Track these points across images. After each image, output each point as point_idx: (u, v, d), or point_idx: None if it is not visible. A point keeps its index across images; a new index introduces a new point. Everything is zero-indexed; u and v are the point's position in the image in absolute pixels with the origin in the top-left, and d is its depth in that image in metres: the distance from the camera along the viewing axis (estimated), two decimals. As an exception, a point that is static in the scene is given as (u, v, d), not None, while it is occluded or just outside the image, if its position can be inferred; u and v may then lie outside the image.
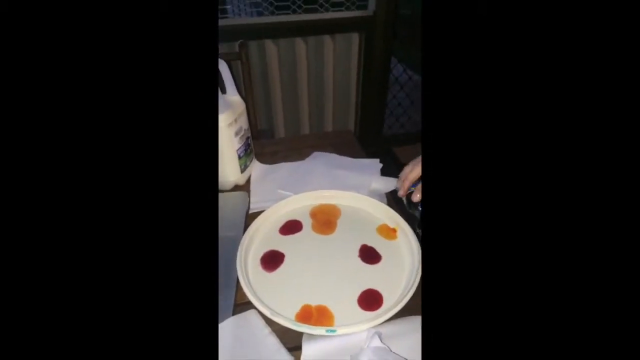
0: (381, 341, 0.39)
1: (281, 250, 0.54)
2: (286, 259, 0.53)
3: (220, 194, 0.65)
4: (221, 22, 1.39)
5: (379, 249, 0.54)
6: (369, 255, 0.53)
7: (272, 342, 0.42)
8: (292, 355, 0.41)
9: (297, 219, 0.60)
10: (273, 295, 0.47)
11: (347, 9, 1.45)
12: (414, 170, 0.54)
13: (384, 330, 0.42)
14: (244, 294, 0.46)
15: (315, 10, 1.42)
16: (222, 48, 1.33)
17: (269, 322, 0.44)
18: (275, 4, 1.39)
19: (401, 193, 0.55)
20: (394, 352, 0.39)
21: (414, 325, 0.42)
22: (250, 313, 0.45)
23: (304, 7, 1.41)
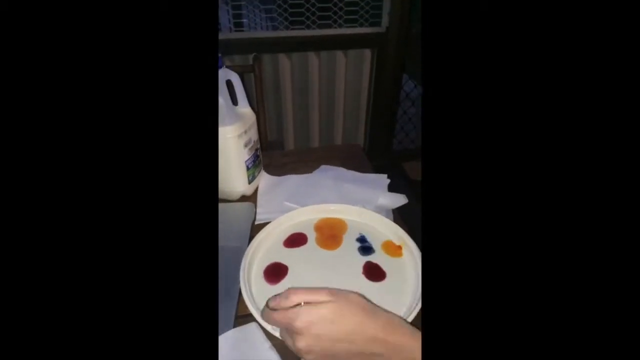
0: None
1: (285, 262, 0.54)
2: (290, 272, 0.52)
3: (226, 205, 0.65)
4: (236, 35, 1.43)
5: (384, 266, 0.53)
6: (374, 272, 0.52)
7: (272, 357, 0.41)
8: (291, 371, 0.40)
9: (303, 232, 0.59)
10: (275, 308, 0.46)
11: (361, 25, 1.48)
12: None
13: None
14: (245, 306, 0.46)
15: (329, 26, 1.45)
16: (237, 60, 1.36)
17: (269, 336, 0.43)
18: (290, 19, 1.42)
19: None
20: None
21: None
22: (251, 326, 0.44)
23: (318, 22, 1.44)
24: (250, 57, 1.08)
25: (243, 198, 0.68)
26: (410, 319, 0.43)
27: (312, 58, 1.44)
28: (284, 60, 1.43)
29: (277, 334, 0.42)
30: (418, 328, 0.38)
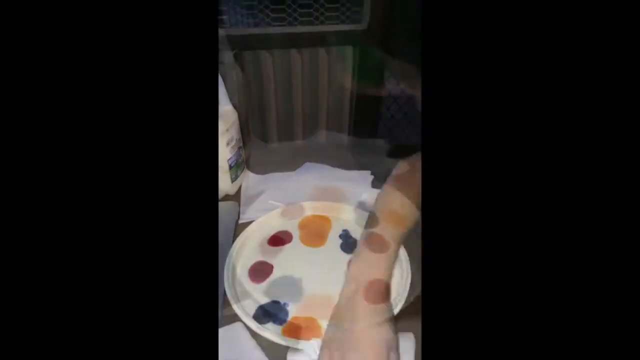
0: None
1: (270, 261, 0.54)
2: (275, 271, 0.52)
3: (210, 204, 0.64)
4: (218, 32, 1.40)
5: (368, 262, 0.53)
6: (358, 268, 0.53)
7: (258, 356, 0.41)
8: (278, 370, 0.40)
9: (287, 230, 0.59)
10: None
11: (342, 22, 1.48)
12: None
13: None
14: (230, 306, 0.45)
15: (310, 23, 1.44)
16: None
17: (254, 335, 0.43)
18: (272, 15, 1.41)
19: None
20: None
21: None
22: (236, 326, 0.44)
23: (300, 19, 1.43)
24: (231, 54, 1.06)
25: (226, 197, 0.67)
26: (394, 313, 0.44)
27: (294, 55, 1.43)
28: (266, 57, 1.41)
29: (263, 333, 0.42)
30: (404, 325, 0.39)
